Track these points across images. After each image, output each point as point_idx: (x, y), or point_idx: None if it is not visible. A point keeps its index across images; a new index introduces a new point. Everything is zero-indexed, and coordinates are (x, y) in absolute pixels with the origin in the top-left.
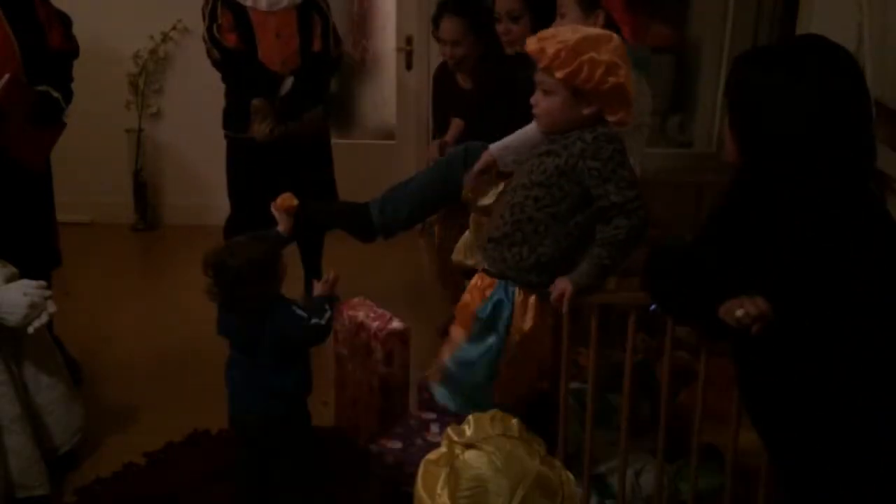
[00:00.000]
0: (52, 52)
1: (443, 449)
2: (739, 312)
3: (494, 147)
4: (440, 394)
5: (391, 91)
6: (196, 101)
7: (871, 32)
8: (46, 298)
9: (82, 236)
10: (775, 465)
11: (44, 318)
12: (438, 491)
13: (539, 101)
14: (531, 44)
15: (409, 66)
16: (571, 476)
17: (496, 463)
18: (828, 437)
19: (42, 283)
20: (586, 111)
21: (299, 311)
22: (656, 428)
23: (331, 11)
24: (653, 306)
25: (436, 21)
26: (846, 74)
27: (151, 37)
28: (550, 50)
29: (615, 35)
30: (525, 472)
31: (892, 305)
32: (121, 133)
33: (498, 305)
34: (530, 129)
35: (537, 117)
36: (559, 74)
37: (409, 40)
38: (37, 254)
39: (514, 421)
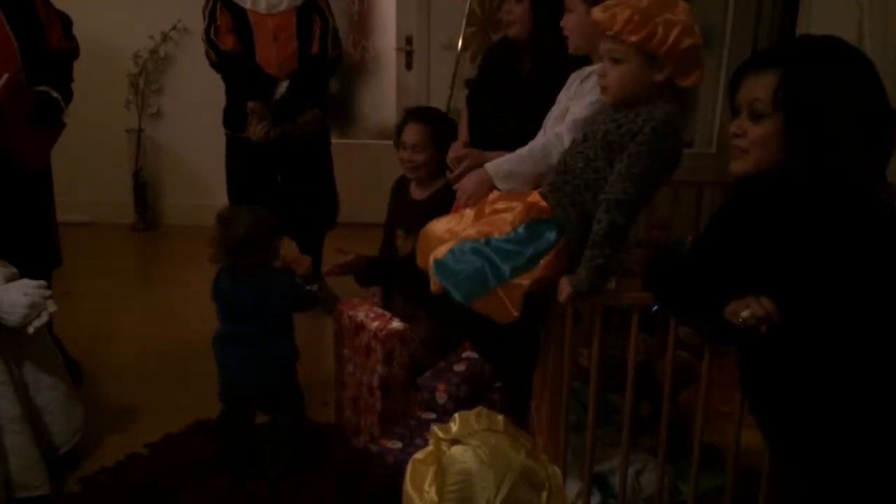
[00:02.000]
0: (52, 53)
1: (430, 447)
2: (745, 313)
3: (490, 165)
4: (443, 266)
5: (391, 91)
6: (196, 101)
7: (871, 32)
8: (46, 298)
9: (82, 236)
10: (779, 464)
11: (44, 318)
12: (426, 488)
13: (608, 72)
14: (597, 13)
15: (409, 66)
16: (558, 470)
17: (482, 456)
18: (834, 436)
19: (42, 282)
20: (659, 77)
21: (297, 279)
22: (657, 428)
23: (332, 13)
24: (655, 307)
25: (399, 128)
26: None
27: (151, 37)
28: (622, 15)
29: None
30: (510, 465)
31: None
32: (121, 133)
33: (548, 233)
34: (534, 148)
35: (605, 89)
36: (633, 39)
37: (409, 40)
38: (37, 254)
39: (500, 417)
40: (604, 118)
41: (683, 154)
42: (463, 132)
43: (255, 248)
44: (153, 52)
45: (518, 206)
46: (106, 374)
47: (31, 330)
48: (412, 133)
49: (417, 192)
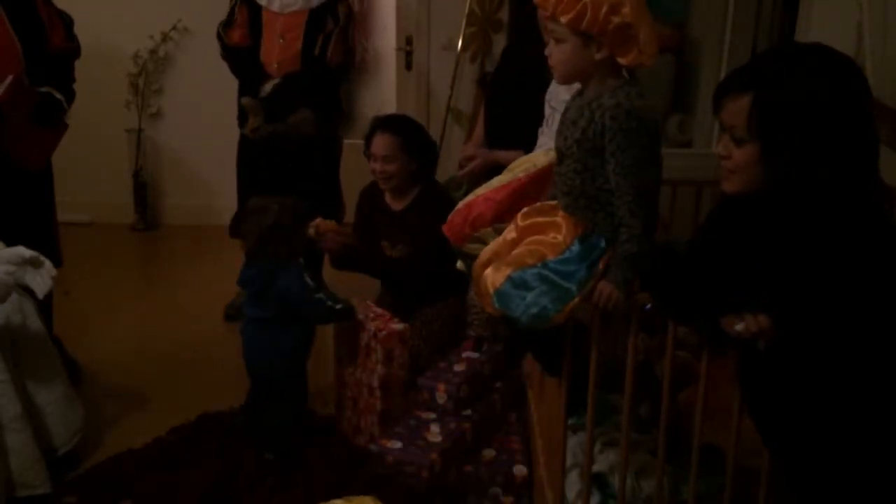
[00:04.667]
0: (53, 53)
1: None
2: (739, 326)
3: None
4: (504, 296)
5: (391, 91)
6: (196, 101)
7: (871, 32)
8: (9, 274)
9: (82, 236)
10: (779, 464)
11: (47, 280)
12: None
13: (552, 52)
14: None
15: (408, 66)
16: None
17: None
18: (830, 437)
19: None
20: (598, 56)
21: (309, 281)
22: (656, 428)
23: (350, 18)
24: (647, 306)
25: (368, 139)
26: (862, 78)
27: (151, 37)
28: None
29: None
30: None
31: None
32: (121, 133)
33: (599, 241)
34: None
35: (553, 69)
36: (564, 19)
37: (409, 40)
38: None
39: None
40: (566, 128)
41: (683, 154)
42: (479, 131)
43: (280, 237)
44: (153, 52)
45: (562, 224)
46: (106, 374)
47: (40, 295)
48: (381, 144)
49: (395, 203)
